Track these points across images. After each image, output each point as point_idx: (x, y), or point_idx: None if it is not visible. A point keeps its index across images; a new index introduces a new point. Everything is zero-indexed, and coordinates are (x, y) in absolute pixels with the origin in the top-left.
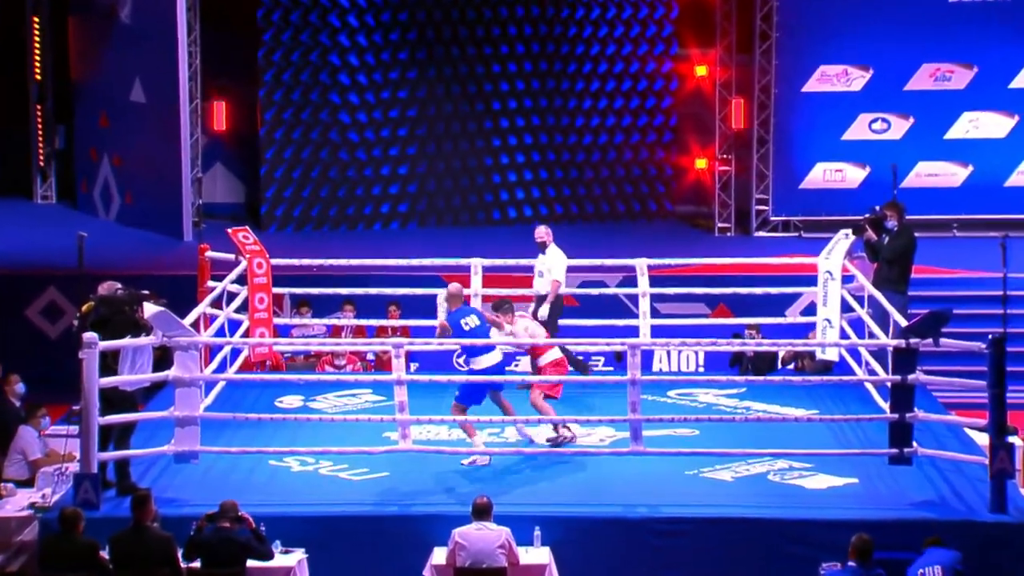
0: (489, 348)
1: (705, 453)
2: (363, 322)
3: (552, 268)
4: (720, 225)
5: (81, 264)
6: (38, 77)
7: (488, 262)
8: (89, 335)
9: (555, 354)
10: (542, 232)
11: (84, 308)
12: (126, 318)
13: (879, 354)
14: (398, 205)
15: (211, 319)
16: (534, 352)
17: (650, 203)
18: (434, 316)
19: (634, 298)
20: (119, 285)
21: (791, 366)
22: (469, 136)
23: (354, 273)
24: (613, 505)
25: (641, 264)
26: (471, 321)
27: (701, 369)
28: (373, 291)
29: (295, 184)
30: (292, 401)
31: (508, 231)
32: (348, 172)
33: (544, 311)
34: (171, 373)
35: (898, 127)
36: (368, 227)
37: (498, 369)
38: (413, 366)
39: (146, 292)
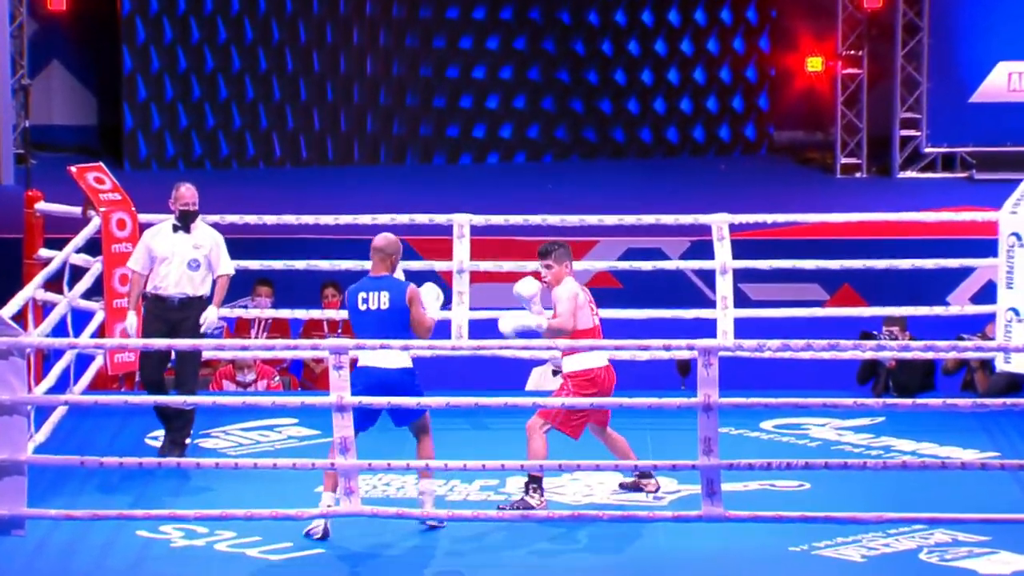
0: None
1: (821, 519)
2: (283, 313)
3: None
4: (845, 161)
5: None
6: None
7: (480, 219)
8: None
9: (590, 360)
10: None
11: None
12: None
13: None
14: (333, 129)
15: (45, 308)
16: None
17: (735, 128)
18: None
19: (708, 276)
20: None
21: (963, 381)
22: (448, 25)
23: (271, 236)
24: None
25: (720, 223)
26: (373, 299)
27: (813, 386)
28: (299, 265)
29: (177, 96)
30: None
31: (512, 171)
32: (253, 76)
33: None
34: None
35: None
36: (290, 163)
37: (386, 378)
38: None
39: None
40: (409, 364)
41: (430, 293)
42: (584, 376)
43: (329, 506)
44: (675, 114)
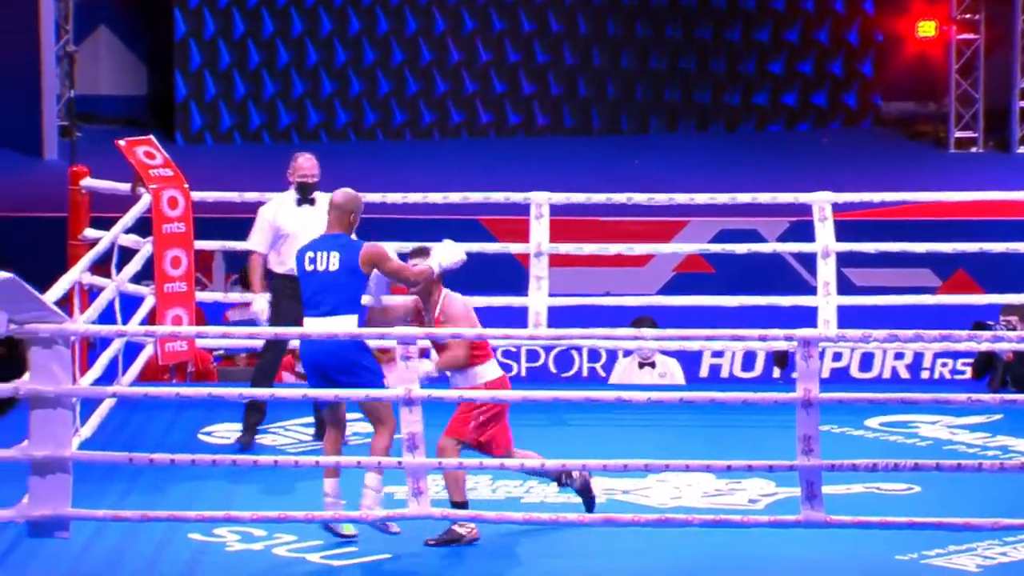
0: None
1: (932, 525)
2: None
3: None
4: (959, 135)
5: None
6: None
7: (560, 198)
8: None
9: (493, 370)
10: None
11: None
12: None
13: None
14: (398, 95)
15: (92, 293)
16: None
17: (839, 98)
18: (461, 288)
19: (808, 259)
20: None
21: None
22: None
23: None
24: None
25: (822, 202)
26: (321, 259)
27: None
28: None
29: (233, 63)
30: (228, 432)
31: (593, 145)
32: (314, 40)
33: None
34: (22, 384)
35: None
36: (354, 134)
37: (318, 347)
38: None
39: None
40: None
41: (443, 249)
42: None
43: (326, 494)
44: (767, 77)
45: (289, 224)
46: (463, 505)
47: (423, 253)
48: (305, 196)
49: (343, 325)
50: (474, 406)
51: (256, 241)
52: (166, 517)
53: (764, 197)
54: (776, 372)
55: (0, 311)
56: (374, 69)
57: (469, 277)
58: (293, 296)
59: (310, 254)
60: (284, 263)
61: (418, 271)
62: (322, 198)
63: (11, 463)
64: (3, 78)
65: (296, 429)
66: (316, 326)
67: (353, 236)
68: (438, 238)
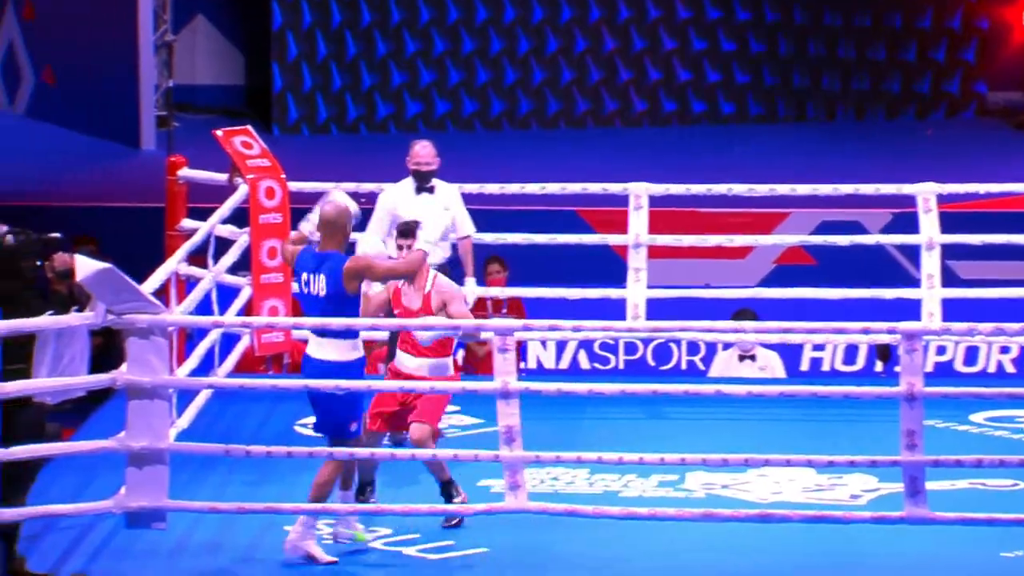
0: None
1: None
2: (513, 291)
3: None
4: None
5: None
6: None
7: (659, 189)
8: None
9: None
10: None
11: None
12: (23, 282)
13: None
14: (495, 86)
15: (189, 284)
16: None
17: (942, 87)
18: (559, 281)
19: (912, 252)
20: (4, 227)
21: None
22: None
23: None
24: None
25: (926, 193)
26: (313, 281)
27: None
28: None
29: (331, 56)
30: None
31: (692, 136)
32: (411, 31)
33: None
34: (119, 375)
35: None
36: (452, 125)
37: (313, 370)
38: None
39: (56, 235)
40: (351, 357)
41: (367, 242)
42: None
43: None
44: (864, 64)
45: (407, 212)
46: (451, 482)
47: (410, 234)
48: (423, 184)
49: (338, 345)
50: (448, 397)
51: (371, 229)
52: (263, 509)
53: (867, 188)
54: (879, 366)
55: (98, 301)
56: (471, 58)
57: (567, 269)
58: None
59: (304, 275)
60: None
61: (410, 260)
62: (442, 187)
63: (108, 454)
64: (101, 68)
65: None
66: (315, 349)
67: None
68: (536, 229)
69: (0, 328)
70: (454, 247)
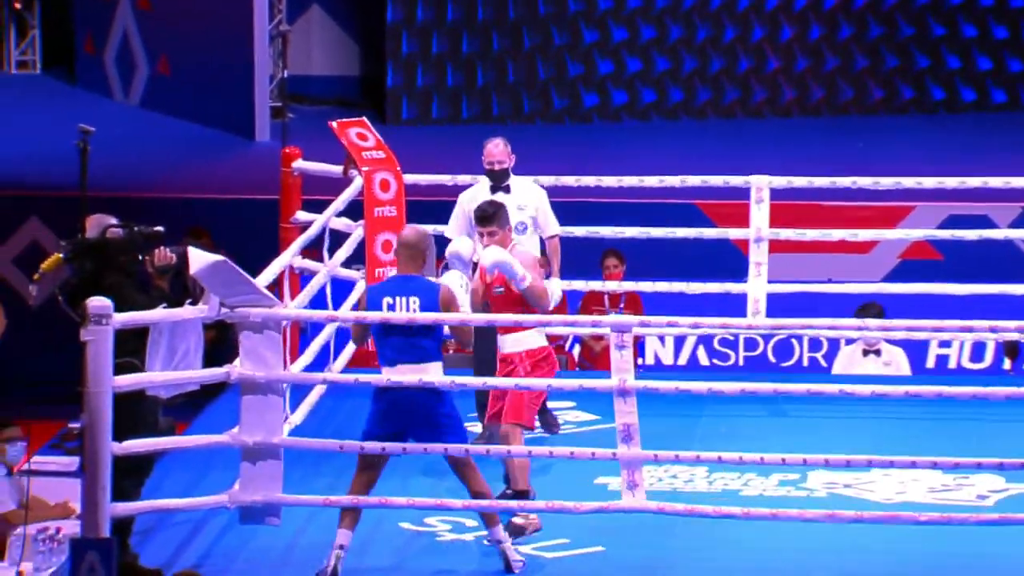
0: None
1: None
2: (629, 285)
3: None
4: None
5: (84, 180)
6: None
7: (782, 181)
8: (99, 302)
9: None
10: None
11: (47, 263)
12: (123, 276)
13: None
14: (616, 77)
15: (303, 278)
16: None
17: None
18: (677, 275)
19: None
20: (112, 220)
21: None
22: None
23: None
24: None
25: None
26: (401, 305)
27: None
28: (578, 231)
29: (448, 47)
30: None
31: (815, 127)
32: (530, 25)
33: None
34: (233, 369)
35: None
36: (569, 118)
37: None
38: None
39: (158, 230)
40: (439, 381)
41: (454, 281)
42: (540, 354)
43: (342, 546)
44: (1002, 70)
45: None
46: (526, 494)
47: (487, 220)
48: (497, 182)
49: (438, 373)
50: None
51: (450, 228)
52: (377, 504)
53: (995, 181)
54: (1007, 363)
55: (212, 295)
56: (590, 50)
57: (685, 263)
58: None
59: (388, 299)
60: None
61: (469, 337)
62: (521, 185)
63: (222, 449)
64: (216, 58)
65: None
66: (410, 374)
67: (430, 277)
68: (654, 223)
69: (114, 321)
70: (543, 244)
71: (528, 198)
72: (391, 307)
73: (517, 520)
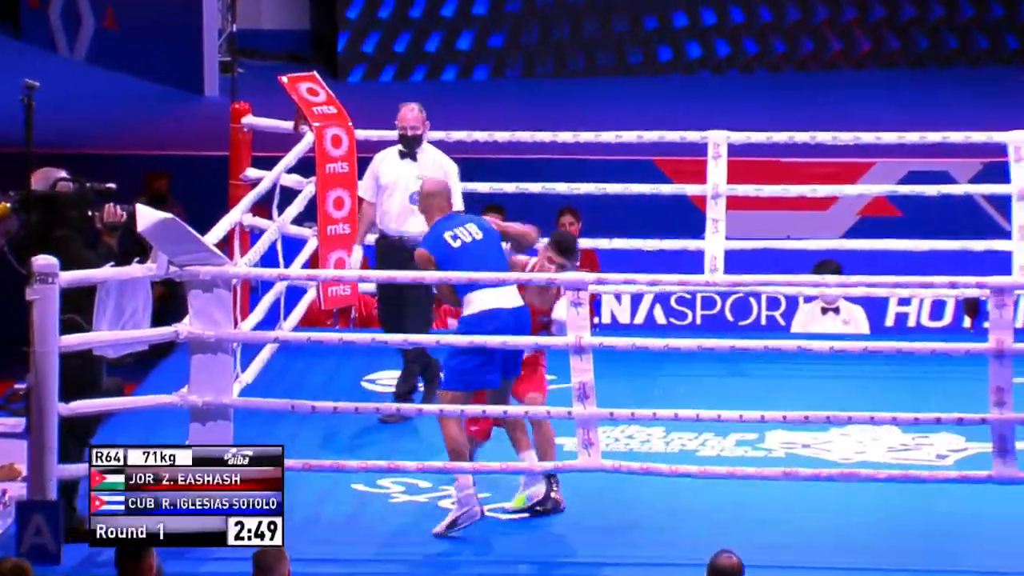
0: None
1: None
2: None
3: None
4: None
5: (29, 136)
6: None
7: (740, 137)
8: (46, 260)
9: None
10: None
11: None
12: (78, 231)
13: None
14: (575, 37)
15: (253, 235)
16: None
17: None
18: (634, 232)
19: (1003, 202)
20: (62, 173)
21: None
22: None
23: (503, 156)
24: None
25: (1017, 141)
26: (464, 233)
27: None
28: (532, 187)
29: (397, 2)
30: (392, 379)
31: (774, 83)
32: None
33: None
34: (182, 328)
35: None
36: (521, 74)
37: (515, 321)
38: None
39: (110, 186)
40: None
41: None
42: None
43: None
44: (955, 16)
45: (388, 175)
46: (552, 477)
47: (565, 251)
48: (409, 149)
49: (515, 293)
50: (542, 354)
51: (362, 188)
52: (329, 467)
53: (956, 136)
54: (967, 321)
55: (160, 253)
56: (546, 12)
57: (642, 220)
58: (389, 258)
59: (448, 233)
60: (383, 218)
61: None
62: (428, 154)
63: (171, 409)
64: (164, 12)
65: None
66: (498, 298)
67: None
68: (611, 179)
69: (60, 280)
70: None
71: (433, 170)
72: (456, 237)
73: (555, 495)
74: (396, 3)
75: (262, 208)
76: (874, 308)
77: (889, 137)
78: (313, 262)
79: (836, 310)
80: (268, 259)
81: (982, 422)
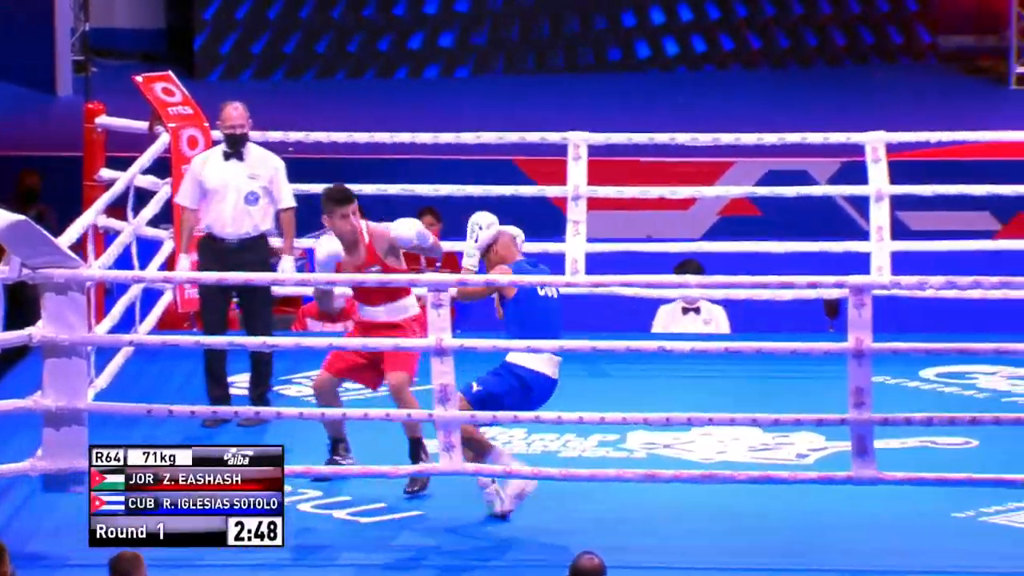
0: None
1: (990, 482)
2: (448, 245)
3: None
4: (1020, 71)
5: None
6: None
7: (600, 138)
8: None
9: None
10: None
11: None
12: None
13: None
14: (432, 38)
15: (108, 237)
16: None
17: (891, 32)
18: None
19: (861, 203)
20: None
21: None
22: None
23: (358, 157)
24: None
25: (875, 142)
26: (552, 290)
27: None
28: (392, 189)
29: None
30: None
31: (638, 83)
32: None
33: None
34: (35, 332)
35: None
36: (384, 74)
37: (549, 393)
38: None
39: None
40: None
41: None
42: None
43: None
44: (814, 15)
45: (213, 179)
46: (419, 442)
47: (353, 197)
48: (234, 149)
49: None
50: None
51: (181, 195)
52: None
53: (814, 137)
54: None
55: (12, 255)
56: (404, 18)
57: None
58: (216, 261)
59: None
60: (209, 223)
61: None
62: (254, 152)
63: (24, 414)
64: (14, 9)
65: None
66: (546, 365)
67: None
68: (472, 180)
69: None
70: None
71: (262, 168)
72: (542, 286)
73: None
74: (254, 3)
75: (117, 210)
76: (735, 308)
77: (749, 139)
78: (170, 264)
79: (697, 310)
80: (123, 262)
81: (841, 423)
